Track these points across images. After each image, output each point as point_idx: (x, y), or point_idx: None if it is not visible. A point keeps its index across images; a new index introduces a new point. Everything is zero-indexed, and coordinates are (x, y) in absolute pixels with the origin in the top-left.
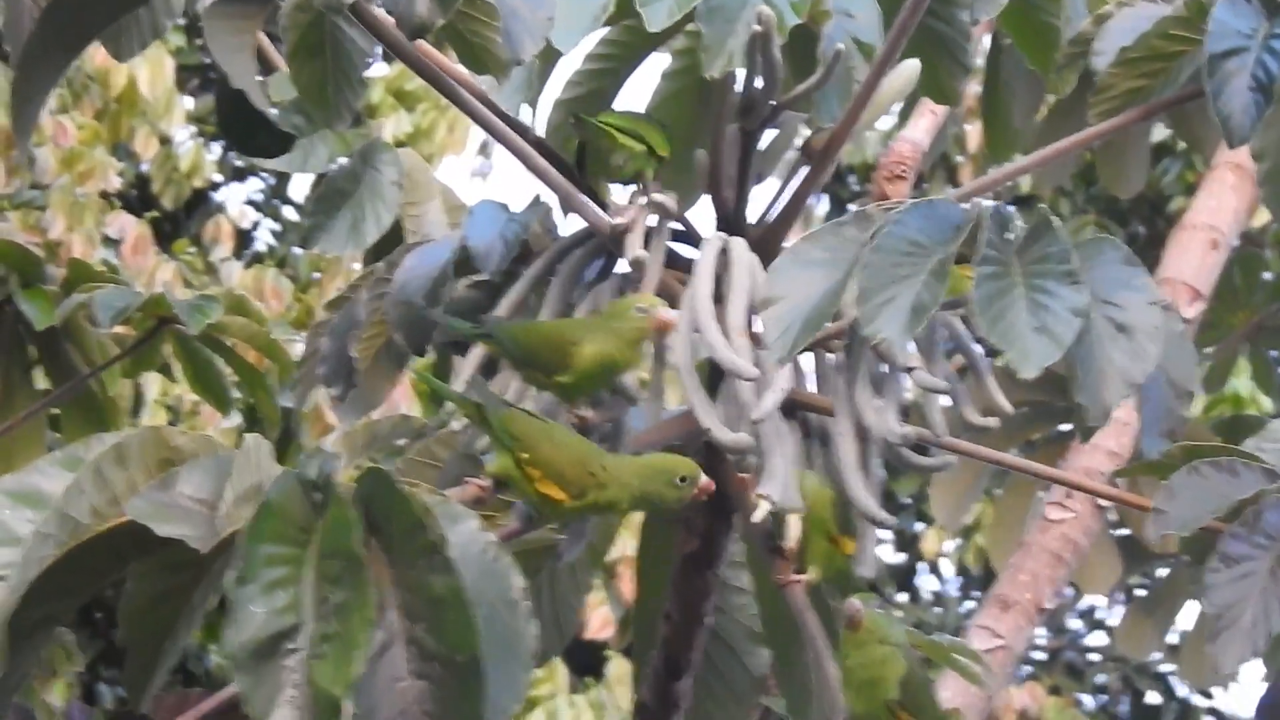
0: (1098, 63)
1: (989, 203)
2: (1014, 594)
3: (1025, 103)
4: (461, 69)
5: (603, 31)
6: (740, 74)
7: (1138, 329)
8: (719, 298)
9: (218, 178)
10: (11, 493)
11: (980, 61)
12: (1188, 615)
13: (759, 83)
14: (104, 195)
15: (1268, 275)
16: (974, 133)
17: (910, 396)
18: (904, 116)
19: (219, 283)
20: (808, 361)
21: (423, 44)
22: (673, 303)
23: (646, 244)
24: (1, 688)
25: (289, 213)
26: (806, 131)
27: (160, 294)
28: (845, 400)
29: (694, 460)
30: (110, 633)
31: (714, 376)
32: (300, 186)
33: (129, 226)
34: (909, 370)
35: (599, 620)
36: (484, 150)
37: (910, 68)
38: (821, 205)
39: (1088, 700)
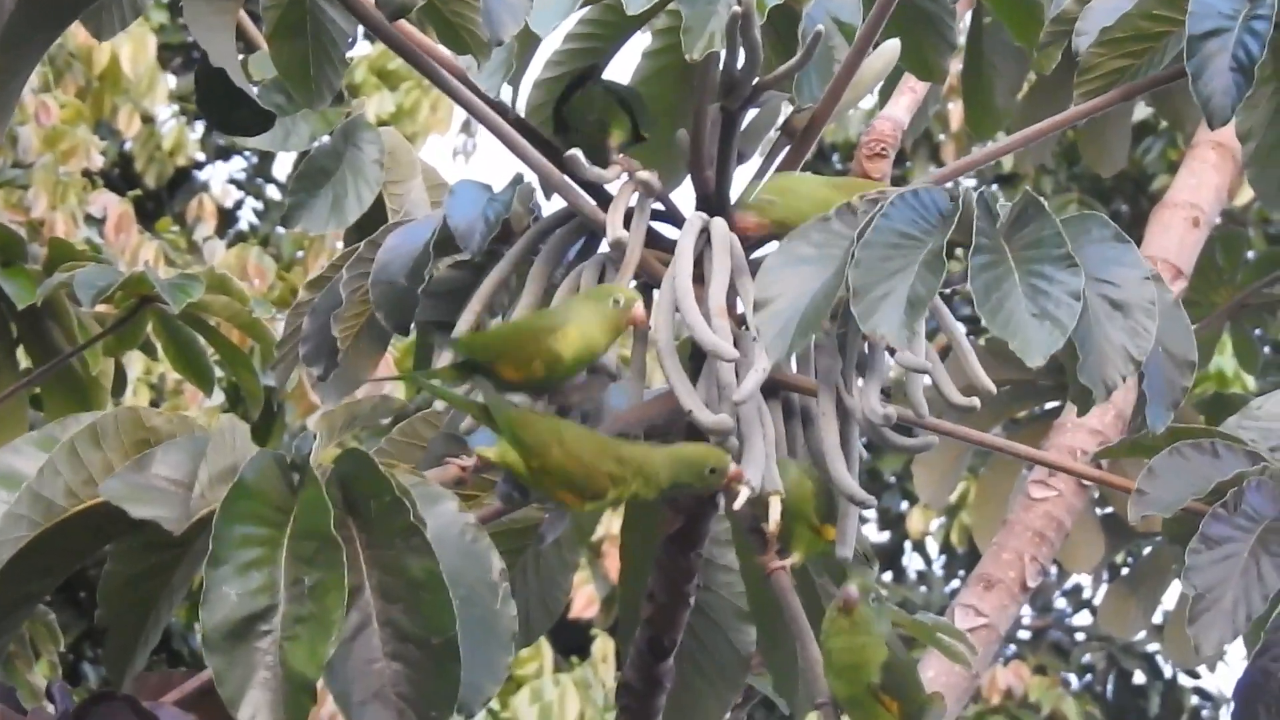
0: (1080, 42)
1: (972, 185)
2: (997, 572)
3: (1008, 81)
4: (442, 49)
5: (583, 11)
6: (721, 54)
7: (1134, 305)
8: (700, 278)
9: (200, 156)
10: None
11: (962, 40)
12: (1173, 594)
13: (740, 63)
14: (86, 174)
15: (1250, 253)
16: (957, 111)
17: (892, 376)
18: (885, 95)
19: (202, 261)
20: None
21: (403, 24)
22: (655, 282)
23: (627, 223)
24: None
25: (272, 191)
26: (788, 111)
27: (142, 273)
28: (827, 380)
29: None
30: (94, 612)
31: (696, 357)
32: (284, 165)
33: (112, 205)
34: (891, 350)
35: (584, 599)
36: (467, 129)
37: (891, 48)
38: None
39: (1073, 680)
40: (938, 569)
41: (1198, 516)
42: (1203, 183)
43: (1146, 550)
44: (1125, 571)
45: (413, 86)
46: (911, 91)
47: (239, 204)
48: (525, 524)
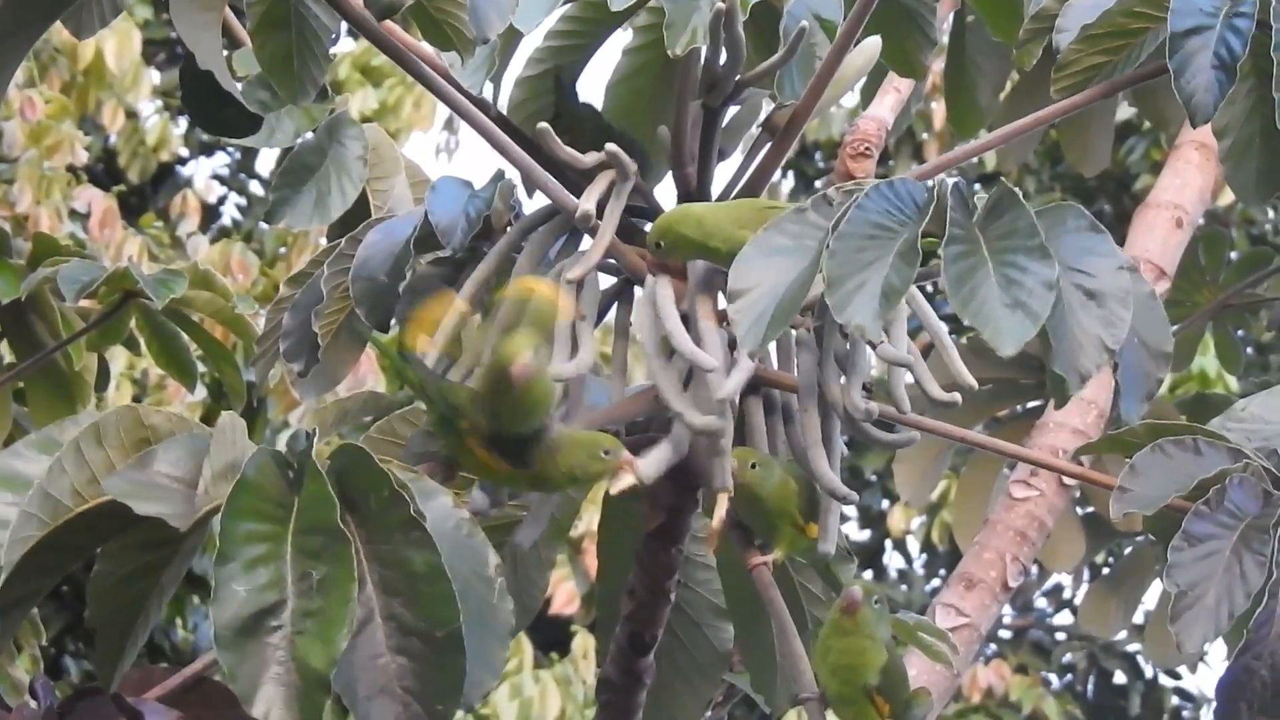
0: (1061, 39)
1: (950, 179)
2: (979, 572)
3: (990, 80)
4: (425, 46)
5: (565, 9)
6: (703, 51)
7: (1108, 295)
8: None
9: (184, 152)
10: None
11: (945, 40)
12: (1154, 594)
13: (722, 60)
14: (71, 169)
15: (1233, 254)
16: (940, 109)
17: (875, 374)
18: (868, 95)
19: (186, 257)
20: None
21: (386, 21)
22: (636, 279)
23: (601, 208)
24: None
25: (255, 187)
26: (770, 108)
27: (125, 268)
28: (809, 376)
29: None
30: (76, 606)
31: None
32: (267, 161)
33: (96, 200)
34: (873, 345)
35: (564, 596)
36: (449, 126)
37: (872, 45)
38: (787, 183)
39: (1054, 679)
40: (919, 567)
41: (1180, 514)
42: (1186, 183)
43: (1127, 550)
44: (1106, 571)
45: (396, 83)
46: (895, 91)
47: (222, 199)
48: (502, 521)
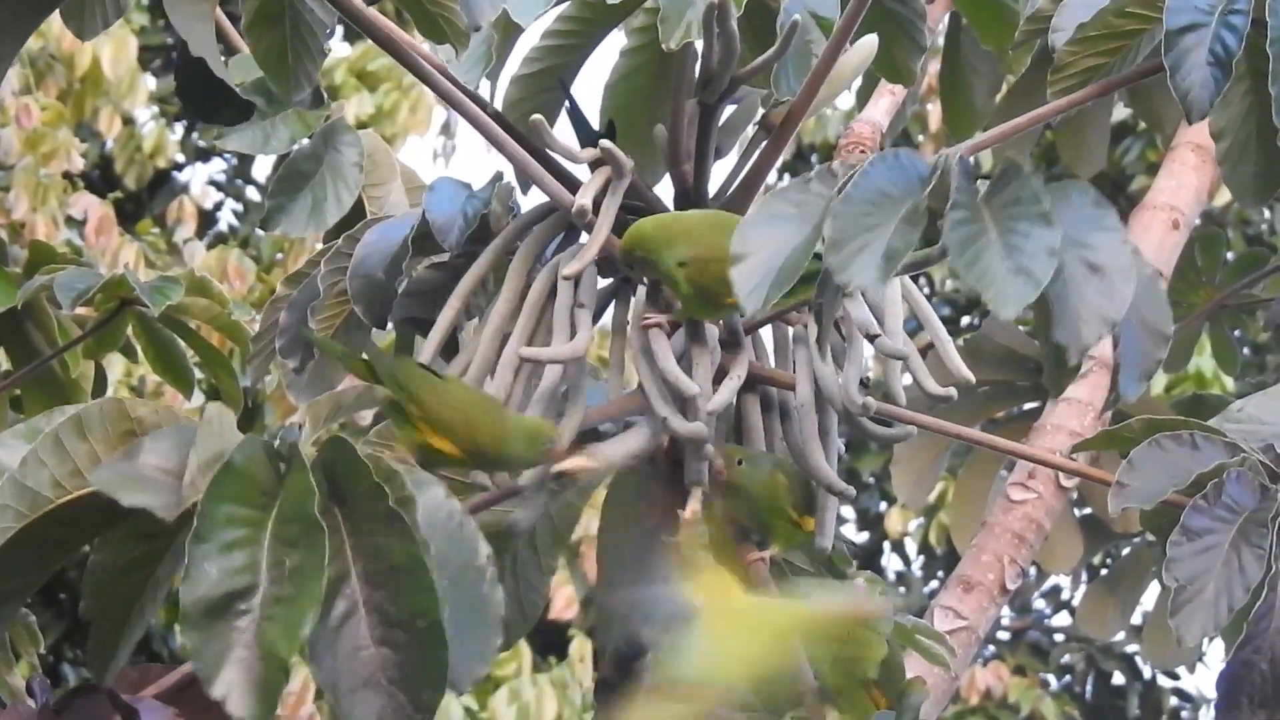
0: (1056, 40)
1: (955, 151)
2: (977, 574)
3: (986, 82)
4: (421, 43)
5: (561, 7)
6: (699, 50)
7: (1110, 269)
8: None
9: (181, 158)
10: None
11: (941, 42)
12: (1152, 595)
13: (717, 56)
14: (67, 176)
15: (1229, 254)
16: (935, 111)
17: (870, 374)
18: (863, 97)
19: (182, 263)
20: (766, 334)
21: (381, 17)
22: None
23: (597, 206)
24: None
25: (252, 193)
26: (766, 106)
27: (122, 275)
28: (806, 371)
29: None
30: (74, 614)
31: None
32: (263, 167)
33: (92, 207)
34: (871, 338)
35: (563, 600)
36: (446, 131)
37: (868, 43)
38: (782, 185)
39: (1052, 680)
40: (916, 569)
41: (1177, 510)
42: (1182, 185)
43: (1125, 551)
44: (1104, 573)
45: (392, 88)
46: (891, 94)
47: (219, 206)
48: (503, 527)
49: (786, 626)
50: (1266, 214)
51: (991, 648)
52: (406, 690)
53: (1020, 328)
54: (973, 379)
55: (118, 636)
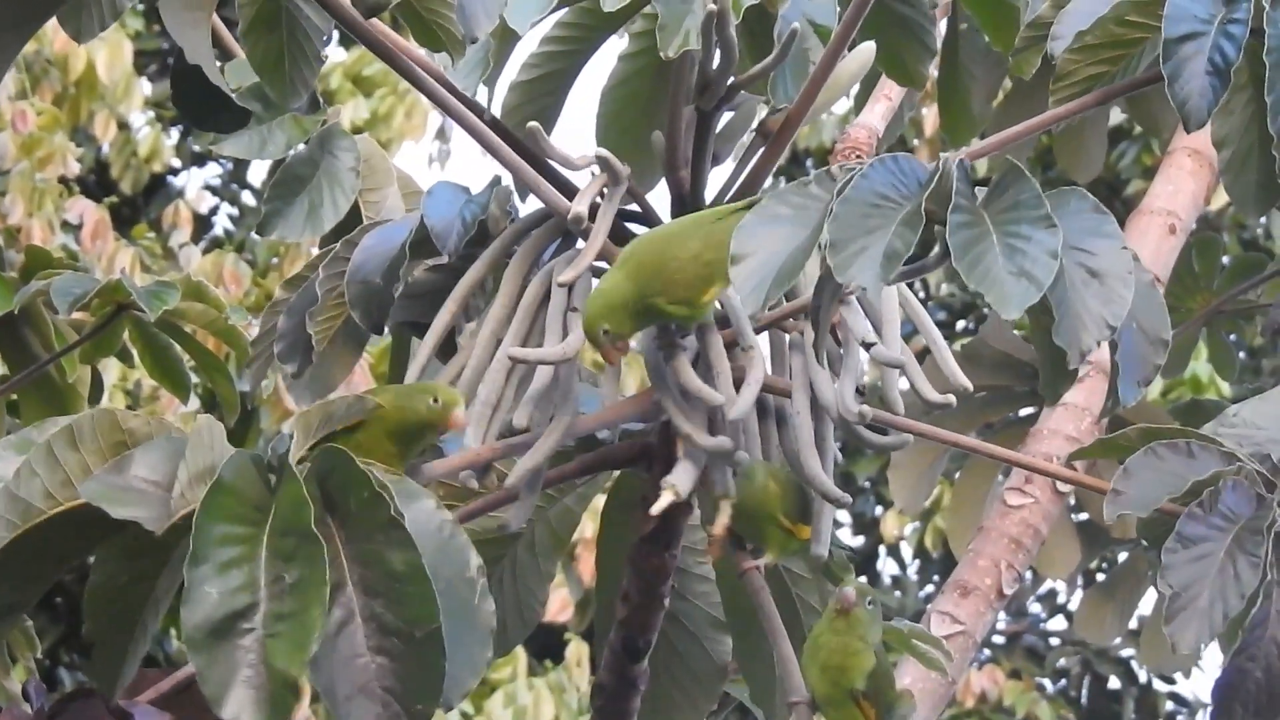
0: (1055, 47)
1: (955, 155)
2: (974, 579)
3: (984, 87)
4: (418, 51)
5: (560, 14)
6: (697, 55)
7: (1110, 274)
8: None
9: (176, 163)
10: None
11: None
12: (1149, 601)
13: (715, 63)
14: (63, 180)
15: (1225, 259)
16: (930, 115)
17: (866, 380)
18: (860, 101)
19: (178, 268)
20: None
21: (377, 23)
22: None
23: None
24: None
25: (247, 198)
26: (763, 113)
27: (118, 280)
28: (802, 379)
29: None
30: (70, 619)
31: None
32: (258, 171)
33: (88, 212)
34: (868, 346)
35: (559, 603)
36: (441, 136)
37: (866, 50)
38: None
39: (1048, 684)
40: (912, 574)
41: (1173, 518)
42: (1179, 190)
43: (1122, 557)
44: (1100, 578)
45: (387, 92)
46: (887, 99)
47: (214, 210)
48: (502, 534)
49: None
50: (1262, 218)
51: (987, 651)
52: (402, 700)
53: (1016, 332)
54: (971, 387)
55: (122, 655)
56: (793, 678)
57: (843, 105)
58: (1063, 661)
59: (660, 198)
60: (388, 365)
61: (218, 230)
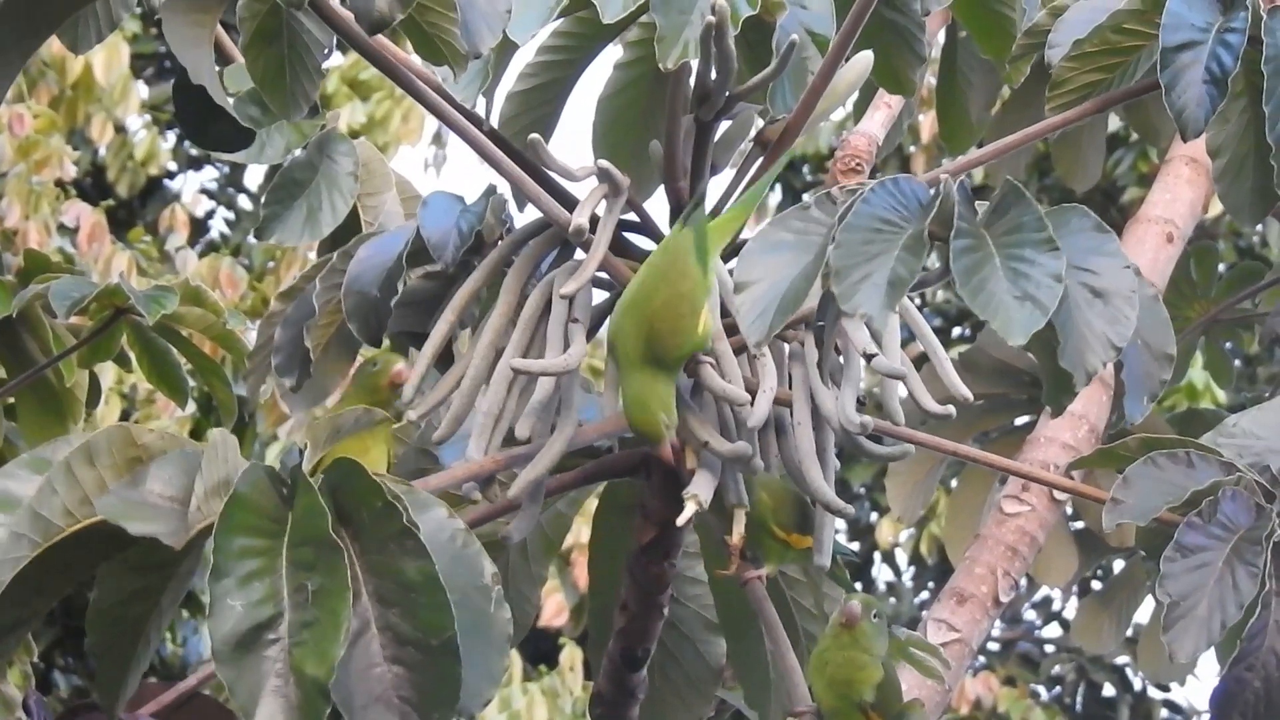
0: (1053, 54)
1: (954, 177)
2: (970, 587)
3: (982, 95)
4: (416, 60)
5: (556, 24)
6: (695, 65)
7: (1114, 293)
8: None
9: (173, 166)
10: None
11: (936, 54)
12: (1145, 609)
13: (714, 73)
14: (59, 183)
15: (1223, 267)
16: (928, 122)
17: (864, 387)
18: (859, 110)
19: (174, 271)
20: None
21: (378, 35)
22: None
23: (593, 224)
24: None
25: (244, 201)
26: (761, 122)
27: (117, 284)
28: (802, 389)
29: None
30: (65, 621)
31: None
32: (255, 175)
33: (84, 215)
34: (868, 357)
35: (553, 608)
36: (438, 140)
37: (864, 59)
38: (774, 196)
39: (1042, 691)
40: (907, 580)
41: (1171, 527)
42: (1177, 198)
43: (1120, 565)
44: (1097, 586)
45: (384, 97)
46: (886, 107)
47: (210, 214)
48: (495, 537)
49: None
50: (1258, 226)
51: (982, 658)
52: (419, 709)
53: None
54: (969, 395)
55: (125, 669)
56: (797, 688)
57: (838, 112)
58: (1057, 669)
59: (658, 204)
60: None
61: (214, 234)
